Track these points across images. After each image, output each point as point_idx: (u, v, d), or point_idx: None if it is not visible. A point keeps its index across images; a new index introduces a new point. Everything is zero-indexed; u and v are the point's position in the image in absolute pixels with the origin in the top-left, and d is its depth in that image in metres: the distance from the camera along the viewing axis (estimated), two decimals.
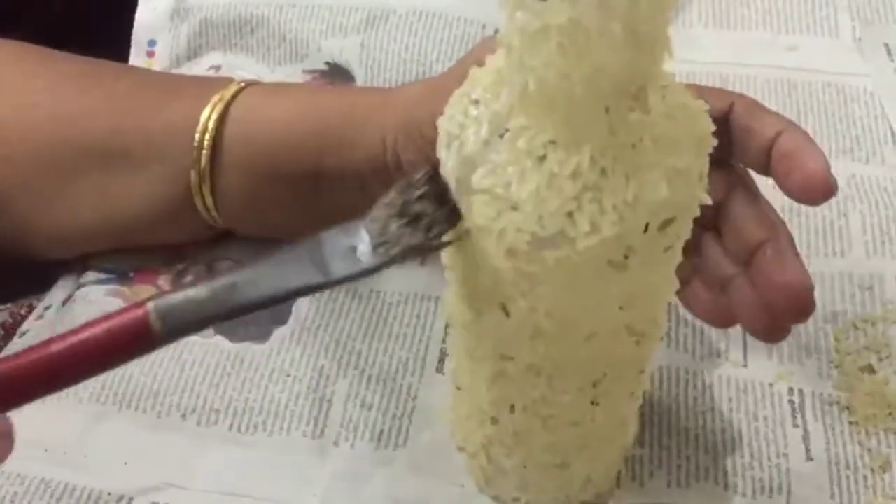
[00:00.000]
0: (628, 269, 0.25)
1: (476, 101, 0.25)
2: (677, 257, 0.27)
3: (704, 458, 0.37)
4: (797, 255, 0.32)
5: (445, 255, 0.29)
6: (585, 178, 0.23)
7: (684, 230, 0.26)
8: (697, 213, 0.26)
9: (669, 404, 0.39)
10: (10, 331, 0.45)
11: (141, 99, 0.40)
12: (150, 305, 0.25)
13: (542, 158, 0.24)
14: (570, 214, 0.24)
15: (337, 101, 0.40)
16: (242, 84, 0.41)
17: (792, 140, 0.32)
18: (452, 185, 0.25)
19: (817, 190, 0.31)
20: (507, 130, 0.24)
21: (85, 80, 0.41)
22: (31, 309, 0.45)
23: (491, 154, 0.24)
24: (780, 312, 0.32)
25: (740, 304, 0.33)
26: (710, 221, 0.34)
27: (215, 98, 0.39)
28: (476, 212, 0.25)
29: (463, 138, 0.25)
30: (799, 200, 0.32)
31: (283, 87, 0.43)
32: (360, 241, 0.25)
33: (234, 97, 0.40)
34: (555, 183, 0.23)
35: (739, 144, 0.33)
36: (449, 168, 0.25)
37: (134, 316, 0.26)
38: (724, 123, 0.33)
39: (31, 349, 0.26)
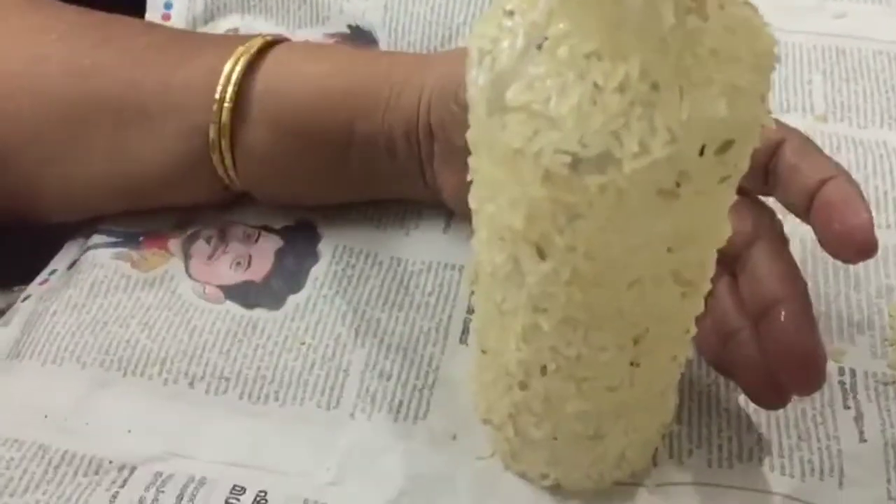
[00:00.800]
0: (680, 200, 0.22)
1: (510, 13, 0.23)
2: (732, 193, 0.25)
3: (748, 437, 0.35)
4: (814, 321, 0.30)
5: (472, 196, 0.27)
6: (634, 91, 0.21)
7: (743, 159, 0.23)
8: (758, 141, 0.23)
9: (709, 384, 0.36)
10: None
11: (160, 53, 0.38)
12: None
13: (586, 70, 0.21)
14: (615, 133, 0.21)
15: (374, 62, 0.38)
16: (268, 38, 0.39)
17: (839, 189, 0.30)
18: (483, 106, 0.23)
19: (855, 247, 0.29)
20: (546, 39, 0.22)
21: (101, 33, 0.39)
22: None
23: (527, 67, 0.22)
24: (785, 381, 0.30)
25: (742, 360, 0.32)
26: (729, 266, 0.32)
27: (239, 50, 0.37)
28: (510, 132, 0.22)
29: (496, 53, 0.22)
30: (834, 255, 0.30)
31: (317, 45, 0.42)
32: None
33: (260, 51, 0.38)
34: (599, 97, 0.21)
35: (783, 182, 0.31)
36: (480, 86, 0.23)
37: None
38: (771, 156, 0.31)
39: None
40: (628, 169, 0.21)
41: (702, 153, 0.22)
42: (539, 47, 0.22)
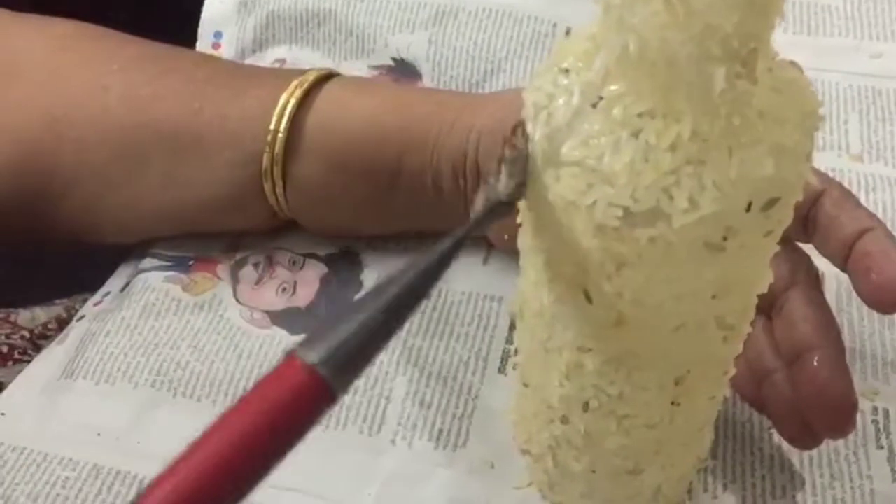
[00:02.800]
0: (725, 253, 0.23)
1: (566, 71, 0.24)
2: (775, 245, 0.25)
3: (781, 475, 0.35)
4: (846, 367, 0.31)
5: (522, 239, 0.28)
6: (685, 150, 0.22)
7: (787, 214, 0.24)
8: (801, 196, 0.24)
9: (744, 421, 0.37)
10: (65, 325, 0.44)
11: (217, 85, 0.40)
12: (305, 357, 0.20)
13: (639, 129, 0.22)
14: (666, 189, 0.22)
15: (425, 99, 0.40)
16: (323, 72, 0.40)
17: (877, 241, 0.31)
18: (539, 158, 0.24)
19: (892, 298, 0.30)
20: (601, 99, 0.23)
21: (160, 65, 0.41)
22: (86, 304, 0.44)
23: (582, 124, 0.23)
24: (816, 424, 0.31)
25: (775, 402, 0.32)
26: (765, 309, 0.33)
27: (294, 84, 0.39)
28: (564, 185, 0.23)
29: (551, 109, 0.23)
30: (870, 305, 0.30)
31: (369, 81, 0.43)
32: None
33: (313, 84, 0.39)
34: (652, 155, 0.22)
35: (822, 232, 0.32)
36: (536, 140, 0.24)
37: (295, 381, 0.20)
38: (811, 206, 0.32)
39: (195, 450, 0.20)
40: (677, 223, 0.22)
41: (748, 209, 0.23)
42: (594, 106, 0.23)
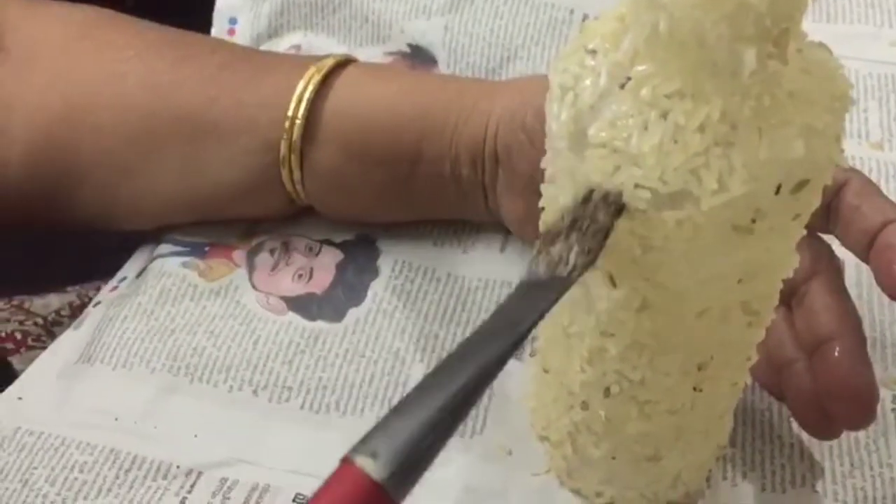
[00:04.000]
0: (753, 236, 0.23)
1: (593, 52, 0.23)
2: (802, 229, 0.25)
3: (801, 464, 0.35)
4: (867, 358, 0.31)
5: (543, 223, 0.28)
6: (715, 131, 0.22)
7: (816, 196, 0.24)
8: (830, 179, 0.24)
9: (763, 409, 0.37)
10: (78, 312, 0.44)
11: (235, 72, 0.40)
12: (365, 466, 0.19)
13: (667, 110, 0.22)
14: (695, 171, 0.22)
15: (444, 86, 0.39)
16: (340, 58, 0.40)
17: None
18: (565, 140, 0.24)
19: None
20: (629, 79, 0.22)
21: (177, 51, 0.41)
22: (98, 291, 0.44)
23: (610, 105, 0.23)
24: (836, 415, 0.31)
25: (795, 392, 0.32)
26: (786, 298, 0.32)
27: (311, 70, 0.39)
28: (591, 167, 0.23)
29: (578, 90, 0.23)
30: (892, 296, 0.30)
31: (387, 68, 0.43)
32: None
33: (331, 71, 0.39)
34: (680, 136, 0.22)
35: (844, 222, 0.32)
36: (562, 121, 0.23)
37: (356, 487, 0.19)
38: (833, 196, 0.32)
39: None
40: (706, 206, 0.22)
41: (777, 192, 0.22)
42: (622, 86, 0.23)
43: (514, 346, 0.22)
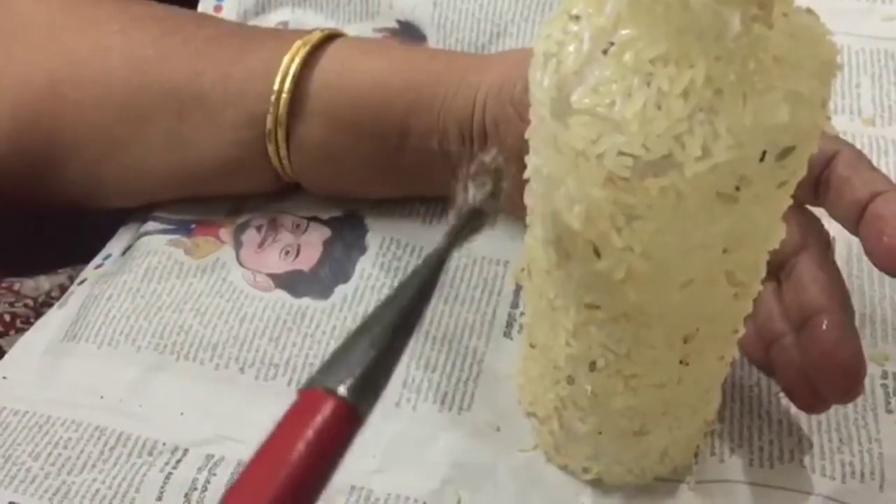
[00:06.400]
0: (738, 204, 0.23)
1: (576, 17, 0.23)
2: (788, 197, 0.25)
3: (789, 439, 0.35)
4: (855, 332, 0.31)
5: (529, 194, 0.27)
6: (698, 97, 0.21)
7: (801, 164, 0.24)
8: (816, 147, 0.24)
9: (751, 385, 0.37)
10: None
11: (220, 46, 0.39)
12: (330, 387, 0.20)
13: (651, 75, 0.22)
14: (678, 137, 0.22)
15: (431, 60, 0.39)
16: (327, 32, 0.39)
17: (889, 203, 0.30)
18: (547, 107, 0.23)
19: None
20: (612, 44, 0.22)
21: (162, 25, 0.40)
22: None
23: (593, 71, 0.22)
24: (824, 389, 0.31)
25: (783, 366, 0.32)
26: (774, 272, 0.32)
27: (298, 44, 0.38)
28: (573, 135, 0.23)
29: (561, 56, 0.23)
30: (881, 268, 0.30)
31: (375, 42, 0.42)
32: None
33: (318, 45, 0.38)
34: (664, 102, 0.21)
35: (834, 194, 0.31)
36: (545, 87, 0.23)
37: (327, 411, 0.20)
38: (823, 168, 0.31)
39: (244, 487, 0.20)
40: (690, 173, 0.22)
41: (762, 158, 0.22)
42: (605, 52, 0.22)
43: (437, 267, 0.23)
